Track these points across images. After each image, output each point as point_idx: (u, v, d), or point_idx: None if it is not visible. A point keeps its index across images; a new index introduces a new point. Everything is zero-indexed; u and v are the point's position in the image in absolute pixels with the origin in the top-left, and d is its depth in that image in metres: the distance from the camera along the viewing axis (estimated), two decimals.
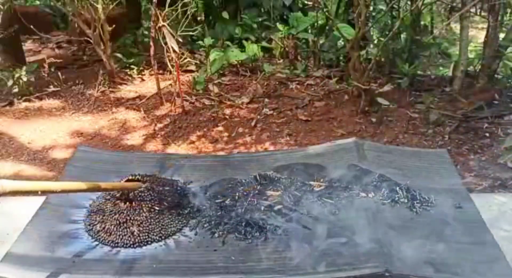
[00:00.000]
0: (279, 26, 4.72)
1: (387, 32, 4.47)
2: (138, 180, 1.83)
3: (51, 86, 4.47)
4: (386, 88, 3.85)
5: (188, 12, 3.91)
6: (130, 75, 4.71)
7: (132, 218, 1.66)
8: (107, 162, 2.13)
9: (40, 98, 4.33)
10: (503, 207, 1.94)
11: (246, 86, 4.32)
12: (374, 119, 3.62)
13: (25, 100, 4.26)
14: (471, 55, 4.21)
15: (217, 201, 1.82)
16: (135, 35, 5.45)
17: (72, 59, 5.53)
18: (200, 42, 4.71)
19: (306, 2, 5.48)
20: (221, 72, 4.56)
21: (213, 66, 4.38)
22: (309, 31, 4.98)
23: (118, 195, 1.75)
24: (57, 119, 4.00)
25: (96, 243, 1.62)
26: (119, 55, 4.85)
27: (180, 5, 3.85)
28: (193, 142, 3.54)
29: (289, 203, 1.77)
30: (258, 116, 3.81)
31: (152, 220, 1.67)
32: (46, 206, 1.78)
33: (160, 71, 4.39)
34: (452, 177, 1.95)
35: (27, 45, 6.07)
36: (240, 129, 3.66)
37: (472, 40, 4.96)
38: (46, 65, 4.59)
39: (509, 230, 1.76)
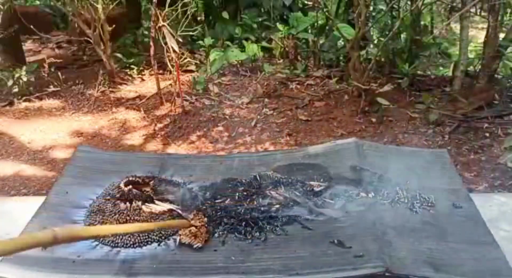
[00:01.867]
0: (279, 26, 4.72)
1: (387, 32, 4.46)
2: (138, 182, 1.83)
3: (51, 86, 4.47)
4: (386, 88, 3.84)
5: (188, 12, 3.91)
6: (130, 75, 4.71)
7: (132, 218, 1.66)
8: (107, 162, 2.13)
9: (40, 98, 4.33)
10: (503, 207, 1.94)
11: (246, 86, 4.32)
12: (374, 119, 3.62)
13: (25, 100, 4.26)
14: (471, 55, 4.21)
15: (217, 201, 1.82)
16: (135, 35, 5.45)
17: (72, 59, 5.53)
18: (200, 42, 4.71)
19: (306, 2, 5.48)
20: (221, 72, 4.57)
21: (213, 66, 4.38)
22: (309, 31, 4.97)
23: (118, 195, 1.75)
24: (57, 119, 4.00)
25: (96, 243, 1.62)
26: (119, 55, 4.85)
27: (180, 5, 3.85)
28: (193, 142, 3.55)
29: (289, 203, 1.77)
30: (258, 116, 3.81)
31: (152, 220, 1.67)
32: (46, 206, 1.78)
33: (160, 71, 4.40)
34: (452, 177, 1.95)
35: (27, 45, 6.08)
36: (240, 129, 3.66)
37: (472, 40, 4.96)
38: (46, 65, 4.60)
39: (509, 230, 1.76)
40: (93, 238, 1.55)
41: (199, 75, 4.39)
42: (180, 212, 1.73)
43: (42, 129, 3.81)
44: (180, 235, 1.62)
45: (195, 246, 1.58)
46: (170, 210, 1.72)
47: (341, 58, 5.01)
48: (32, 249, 1.55)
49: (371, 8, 4.99)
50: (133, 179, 1.84)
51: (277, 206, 1.76)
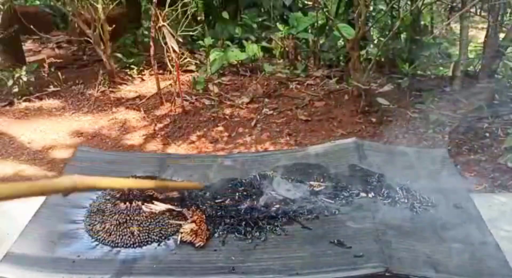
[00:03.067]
0: (279, 26, 4.72)
1: (387, 32, 4.47)
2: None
3: (51, 86, 4.47)
4: (386, 88, 3.85)
5: (188, 12, 3.92)
6: (130, 75, 4.71)
7: (132, 218, 1.66)
8: (107, 162, 2.13)
9: (40, 98, 4.33)
10: (503, 207, 1.93)
11: (246, 86, 4.32)
12: (374, 119, 3.62)
13: (25, 100, 4.26)
14: (471, 55, 4.21)
15: (217, 201, 1.82)
16: (135, 35, 5.45)
17: (72, 59, 5.53)
18: (200, 42, 4.71)
19: (306, 2, 5.48)
20: (221, 72, 4.57)
21: (213, 66, 4.38)
22: (309, 31, 4.97)
23: (118, 195, 1.75)
24: (57, 119, 4.00)
25: (96, 243, 1.62)
26: (119, 55, 4.85)
27: (180, 5, 3.85)
28: (193, 142, 3.55)
29: (289, 203, 1.77)
30: (258, 116, 3.81)
31: (152, 220, 1.67)
32: (46, 206, 1.78)
33: (160, 71, 4.40)
34: (452, 177, 1.95)
35: (27, 45, 6.08)
36: (240, 129, 3.66)
37: (472, 40, 4.96)
38: (46, 65, 4.60)
39: (509, 230, 1.76)
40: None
41: (199, 75, 4.39)
42: (180, 210, 1.73)
43: (42, 129, 3.81)
44: (181, 233, 1.62)
45: (197, 244, 1.58)
46: (170, 210, 1.73)
47: (341, 58, 5.01)
48: (32, 249, 1.56)
49: (371, 8, 4.99)
50: (133, 179, 1.84)
51: (277, 206, 1.76)
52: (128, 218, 1.66)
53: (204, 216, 1.69)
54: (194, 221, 1.66)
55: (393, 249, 1.50)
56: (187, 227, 1.64)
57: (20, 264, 1.51)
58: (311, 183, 1.89)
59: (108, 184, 1.52)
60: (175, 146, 3.50)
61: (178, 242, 1.60)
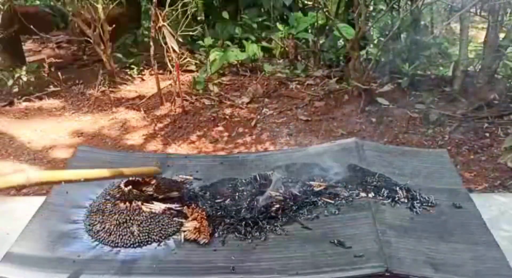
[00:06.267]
0: (279, 26, 4.72)
1: (387, 32, 4.47)
2: (138, 182, 1.83)
3: (51, 86, 4.47)
4: (386, 88, 3.84)
5: (188, 12, 3.92)
6: (130, 75, 4.71)
7: (132, 218, 1.66)
8: (107, 162, 2.12)
9: (40, 98, 4.33)
10: (503, 207, 1.94)
11: (246, 86, 4.32)
12: (374, 119, 3.62)
13: (25, 100, 4.26)
14: (471, 55, 4.21)
15: (217, 201, 1.82)
16: (135, 35, 5.46)
17: (72, 59, 5.54)
18: (200, 42, 4.71)
19: (306, 2, 5.48)
20: (221, 72, 4.57)
21: (213, 66, 4.39)
22: (309, 31, 4.98)
23: (118, 195, 1.75)
24: (57, 119, 4.00)
25: (96, 243, 1.62)
26: (119, 55, 4.85)
27: (180, 5, 3.86)
28: (193, 142, 3.55)
29: (289, 203, 1.77)
30: (258, 116, 3.81)
31: (152, 220, 1.67)
32: (46, 206, 1.78)
33: (160, 71, 4.40)
34: (452, 177, 1.95)
35: (27, 45, 6.08)
36: (240, 129, 3.66)
37: (472, 40, 4.96)
38: (46, 65, 4.60)
39: (509, 230, 1.76)
40: (64, 182, 1.52)
41: (199, 75, 4.39)
42: (179, 209, 1.73)
43: (42, 129, 3.81)
44: (184, 231, 1.62)
45: (201, 241, 1.58)
46: (170, 209, 1.73)
47: (341, 58, 5.01)
48: (32, 249, 1.56)
49: (371, 8, 4.99)
50: (133, 179, 1.84)
51: (277, 206, 1.76)
52: (128, 218, 1.66)
53: (204, 213, 1.69)
54: (195, 219, 1.66)
55: (393, 249, 1.50)
56: (189, 225, 1.64)
57: (20, 264, 1.51)
58: (311, 183, 1.89)
59: (62, 177, 1.45)
60: (175, 146, 3.50)
61: (182, 240, 1.60)
